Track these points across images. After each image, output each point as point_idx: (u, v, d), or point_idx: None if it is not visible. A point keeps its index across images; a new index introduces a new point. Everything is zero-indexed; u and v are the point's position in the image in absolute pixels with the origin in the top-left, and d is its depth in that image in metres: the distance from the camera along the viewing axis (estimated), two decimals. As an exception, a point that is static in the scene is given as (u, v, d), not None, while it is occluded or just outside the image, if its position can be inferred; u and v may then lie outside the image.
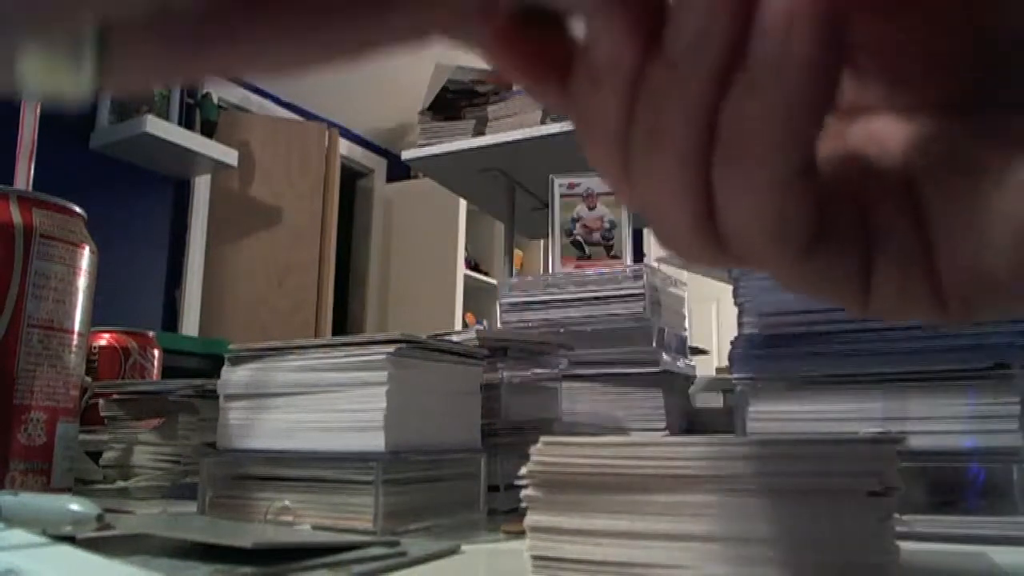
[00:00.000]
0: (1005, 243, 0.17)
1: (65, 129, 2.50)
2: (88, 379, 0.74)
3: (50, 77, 0.12)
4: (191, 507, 0.54)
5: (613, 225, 1.12)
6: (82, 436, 0.66)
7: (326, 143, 3.23)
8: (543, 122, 1.61)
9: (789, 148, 0.16)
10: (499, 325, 0.82)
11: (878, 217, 0.18)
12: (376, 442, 0.46)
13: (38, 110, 1.62)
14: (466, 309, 3.28)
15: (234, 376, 0.53)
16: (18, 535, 0.34)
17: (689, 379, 0.81)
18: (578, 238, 1.16)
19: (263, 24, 0.15)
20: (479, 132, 1.75)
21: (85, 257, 0.56)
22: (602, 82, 0.17)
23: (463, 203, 3.21)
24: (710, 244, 0.18)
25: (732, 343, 0.52)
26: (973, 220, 0.18)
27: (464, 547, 0.41)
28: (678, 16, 0.16)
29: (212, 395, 0.55)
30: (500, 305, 0.81)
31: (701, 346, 1.17)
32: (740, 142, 0.16)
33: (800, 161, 0.17)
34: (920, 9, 0.17)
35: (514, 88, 1.62)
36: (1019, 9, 0.17)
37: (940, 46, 0.18)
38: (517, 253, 2.96)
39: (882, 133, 0.19)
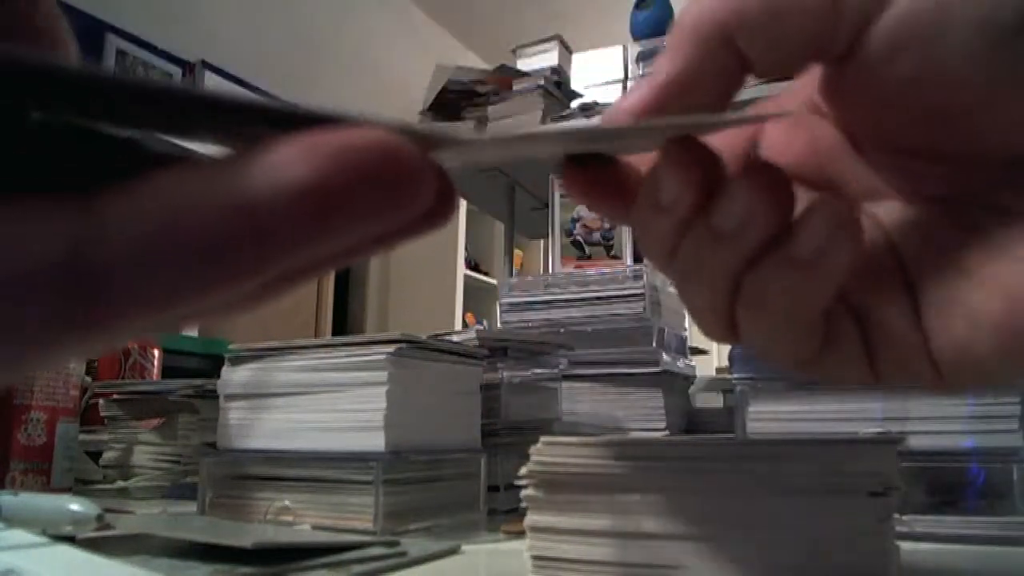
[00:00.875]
0: (990, 333, 0.19)
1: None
2: (88, 379, 0.74)
3: None
4: (191, 507, 0.54)
5: (613, 225, 1.12)
6: (82, 436, 0.66)
7: (326, 143, 3.22)
8: (543, 122, 1.61)
9: (806, 307, 0.19)
10: (499, 325, 0.82)
11: (877, 317, 0.21)
12: (376, 442, 0.46)
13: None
14: (466, 309, 3.28)
15: (234, 376, 0.53)
16: (18, 535, 0.34)
17: (689, 379, 0.81)
18: (578, 238, 1.16)
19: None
20: (479, 132, 1.75)
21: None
22: (662, 213, 0.20)
23: (463, 203, 3.21)
24: (731, 339, 0.21)
25: (732, 343, 0.52)
26: (961, 313, 0.20)
27: (464, 547, 0.41)
28: (724, 201, 0.19)
29: (212, 395, 0.55)
30: (500, 305, 0.81)
31: (701, 346, 1.17)
32: (762, 297, 0.19)
33: (815, 313, 0.19)
34: (931, 126, 0.19)
35: (514, 88, 1.62)
36: (1010, 133, 0.18)
37: (940, 148, 0.19)
38: (517, 253, 2.96)
39: (882, 218, 0.21)
